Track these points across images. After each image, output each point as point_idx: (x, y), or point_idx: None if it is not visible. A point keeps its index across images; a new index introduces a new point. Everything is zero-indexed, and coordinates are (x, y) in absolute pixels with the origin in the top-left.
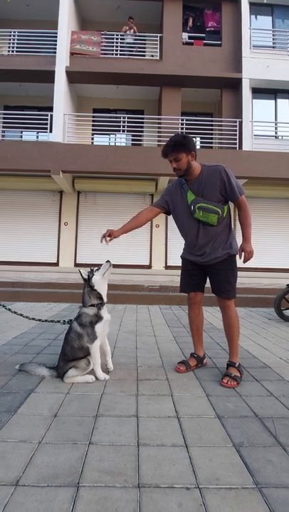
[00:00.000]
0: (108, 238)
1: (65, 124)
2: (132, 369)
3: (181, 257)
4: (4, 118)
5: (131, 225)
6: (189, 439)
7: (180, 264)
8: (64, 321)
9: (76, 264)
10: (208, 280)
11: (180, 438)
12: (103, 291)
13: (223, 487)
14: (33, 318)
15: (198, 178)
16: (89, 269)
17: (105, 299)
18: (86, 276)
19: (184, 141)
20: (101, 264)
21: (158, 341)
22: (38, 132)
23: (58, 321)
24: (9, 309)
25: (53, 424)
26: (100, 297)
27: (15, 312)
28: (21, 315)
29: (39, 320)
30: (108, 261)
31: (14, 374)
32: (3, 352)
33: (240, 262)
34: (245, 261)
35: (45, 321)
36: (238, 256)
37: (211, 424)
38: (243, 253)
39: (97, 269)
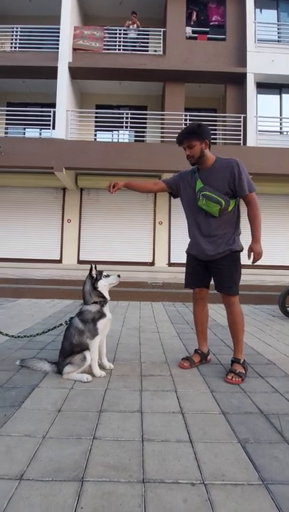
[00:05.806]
0: (112, 189)
1: (67, 121)
2: (136, 365)
3: (186, 252)
4: (7, 115)
5: (136, 184)
6: (194, 435)
7: (183, 262)
8: (66, 321)
9: (79, 261)
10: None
11: (184, 433)
12: (105, 292)
13: (229, 483)
14: (37, 333)
15: (210, 168)
16: (96, 269)
17: (108, 297)
18: (95, 276)
19: (198, 129)
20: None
21: (161, 338)
22: (41, 129)
23: (61, 324)
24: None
25: (57, 419)
26: (102, 295)
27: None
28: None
29: (38, 333)
30: (119, 275)
31: (18, 369)
32: (8, 347)
33: (245, 261)
34: (254, 262)
35: (43, 332)
36: (246, 256)
37: (216, 420)
38: (252, 253)
39: (106, 276)
